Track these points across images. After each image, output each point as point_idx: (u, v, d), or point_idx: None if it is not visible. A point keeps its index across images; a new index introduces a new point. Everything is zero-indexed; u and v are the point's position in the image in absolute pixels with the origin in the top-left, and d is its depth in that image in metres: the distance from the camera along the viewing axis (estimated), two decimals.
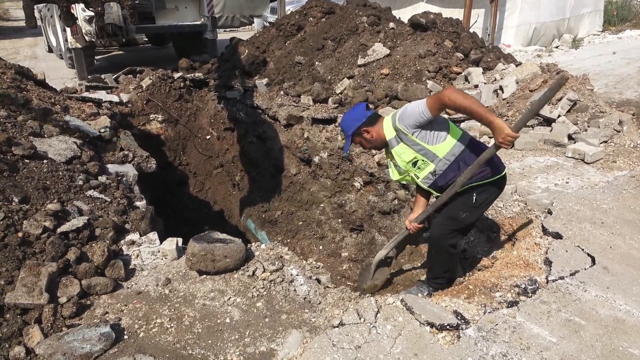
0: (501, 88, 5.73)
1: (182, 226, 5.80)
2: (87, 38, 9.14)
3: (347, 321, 2.40)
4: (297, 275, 2.86)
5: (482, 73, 6.15)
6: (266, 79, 7.28)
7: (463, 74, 6.18)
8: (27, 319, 2.35)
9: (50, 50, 13.05)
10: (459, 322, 2.38)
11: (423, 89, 5.72)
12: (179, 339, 2.34)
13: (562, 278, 2.72)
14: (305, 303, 2.66)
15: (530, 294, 2.61)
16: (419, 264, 4.04)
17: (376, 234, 5.04)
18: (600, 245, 3.02)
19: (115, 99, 6.54)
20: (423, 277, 3.46)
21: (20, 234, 2.70)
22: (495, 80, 6.01)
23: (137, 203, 3.64)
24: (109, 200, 3.45)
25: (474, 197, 2.79)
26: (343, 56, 6.94)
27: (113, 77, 7.53)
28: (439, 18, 6.93)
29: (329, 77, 6.69)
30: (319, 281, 2.93)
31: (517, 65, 6.34)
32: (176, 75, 7.42)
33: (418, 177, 2.85)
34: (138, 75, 7.57)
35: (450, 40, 6.60)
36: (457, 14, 9.62)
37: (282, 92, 6.75)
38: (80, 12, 8.68)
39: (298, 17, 8.40)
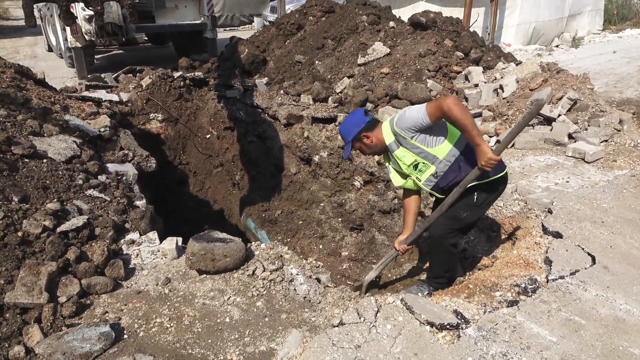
0: (501, 87, 5.72)
1: (182, 225, 5.80)
2: (87, 37, 9.13)
3: (347, 320, 2.39)
4: (297, 274, 2.86)
5: (483, 72, 6.14)
6: (266, 78, 7.28)
7: (463, 73, 6.17)
8: (27, 318, 2.35)
9: (50, 49, 13.05)
10: (459, 321, 2.37)
11: (423, 88, 5.72)
12: (178, 338, 2.34)
13: (562, 277, 2.72)
14: (305, 302, 2.66)
15: (530, 294, 2.61)
16: (419, 264, 4.04)
17: (376, 233, 5.04)
18: (600, 244, 3.02)
19: (115, 98, 6.54)
20: (423, 277, 3.46)
21: (19, 234, 2.70)
22: (496, 79, 6.01)
23: (137, 202, 3.64)
24: (109, 199, 3.45)
25: (475, 197, 2.79)
26: (343, 55, 6.94)
27: (113, 76, 7.53)
28: (439, 17, 6.92)
29: (329, 76, 6.68)
30: (319, 280, 2.93)
31: (517, 64, 6.34)
32: (176, 74, 7.42)
33: (420, 180, 2.86)
34: (138, 74, 7.57)
35: (451, 39, 6.59)
36: (457, 12, 9.61)
37: (282, 91, 6.75)
38: (80, 11, 8.68)
39: (298, 16, 8.39)
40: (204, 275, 2.81)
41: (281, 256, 3.03)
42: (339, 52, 7.06)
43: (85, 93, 6.29)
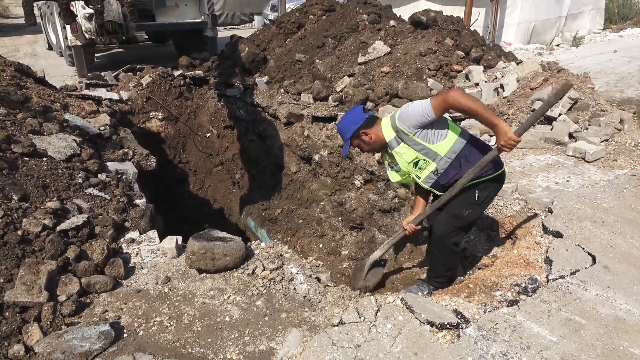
0: (502, 86, 5.71)
1: (182, 224, 5.80)
2: (87, 35, 9.13)
3: (347, 320, 2.39)
4: (297, 273, 2.85)
5: (483, 71, 6.13)
6: (266, 76, 7.27)
7: (464, 72, 6.16)
8: (27, 317, 2.35)
9: (50, 47, 13.04)
10: (459, 321, 2.37)
11: (424, 87, 5.71)
12: (178, 337, 2.33)
13: (562, 277, 2.71)
14: (305, 302, 2.66)
15: (530, 293, 2.61)
16: (419, 263, 4.03)
17: (376, 232, 5.04)
18: (600, 244, 3.02)
19: (115, 96, 6.53)
20: (423, 276, 3.46)
21: (19, 232, 2.70)
22: (496, 78, 6.00)
23: (137, 201, 3.63)
24: (109, 198, 3.44)
25: (477, 194, 2.79)
26: (343, 54, 6.93)
27: (113, 75, 7.52)
28: (440, 16, 6.91)
29: (330, 75, 6.68)
30: (318, 280, 2.93)
31: (517, 64, 6.32)
32: (176, 73, 7.42)
33: (419, 178, 2.84)
34: (138, 73, 7.56)
35: (451, 38, 6.58)
36: (458, 11, 9.61)
37: (282, 90, 6.74)
38: (80, 9, 8.67)
39: (298, 15, 8.38)
40: (204, 274, 2.80)
41: (281, 255, 3.03)
42: (339, 50, 7.05)
43: (85, 91, 6.29)
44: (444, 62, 6.19)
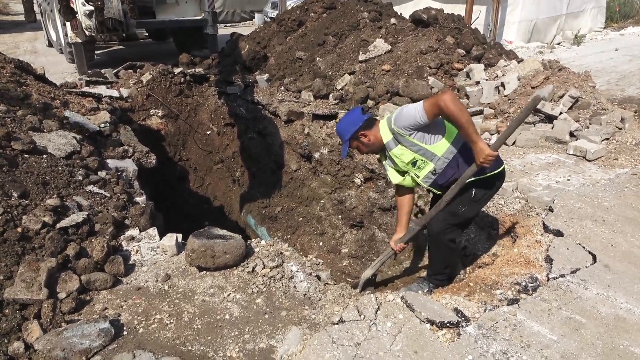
0: (503, 85, 5.70)
1: (182, 222, 5.80)
2: (87, 32, 9.11)
3: (347, 318, 2.39)
4: (297, 271, 2.85)
5: (484, 69, 6.12)
6: (267, 74, 7.25)
7: (464, 70, 6.15)
8: (26, 314, 2.35)
9: (50, 44, 13.02)
10: (459, 319, 2.37)
11: (424, 85, 5.70)
12: (178, 335, 2.33)
13: (563, 276, 2.71)
14: (305, 300, 2.66)
15: (530, 292, 2.60)
16: (419, 261, 4.03)
17: (376, 231, 5.03)
18: (601, 243, 3.01)
19: (115, 94, 6.52)
20: (423, 274, 3.46)
21: (19, 229, 2.70)
22: (497, 76, 5.98)
23: (137, 198, 3.63)
24: (109, 195, 3.44)
25: (473, 192, 2.79)
26: (344, 52, 6.91)
27: (113, 72, 7.51)
28: (441, 14, 6.89)
29: (330, 73, 6.66)
30: (319, 278, 2.93)
31: (518, 62, 6.31)
32: (176, 70, 7.41)
33: (418, 177, 2.85)
34: (138, 70, 7.55)
35: (452, 37, 6.57)
36: (458, 9, 9.59)
37: (282, 88, 6.73)
38: (80, 6, 8.65)
39: (299, 13, 8.36)
40: (204, 272, 2.80)
41: (281, 253, 3.03)
42: (340, 48, 7.04)
43: (86, 89, 6.28)
44: (445, 60, 6.18)
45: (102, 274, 2.67)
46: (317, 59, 7.01)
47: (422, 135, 2.69)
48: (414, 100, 5.64)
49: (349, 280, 4.45)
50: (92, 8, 8.44)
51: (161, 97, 6.99)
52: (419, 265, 3.93)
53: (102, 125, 4.72)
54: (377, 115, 5.62)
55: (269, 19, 10.60)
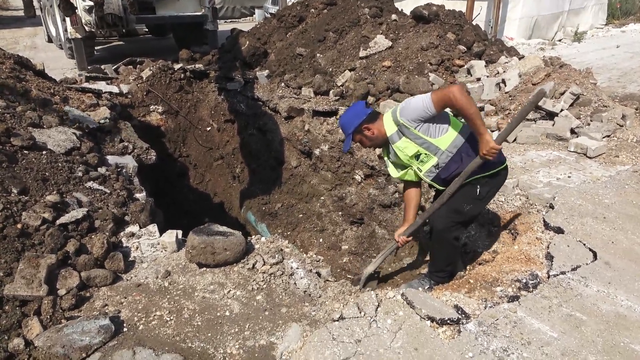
0: (504, 81, 5.69)
1: (182, 218, 5.79)
2: (86, 28, 9.07)
3: (347, 315, 2.39)
4: (297, 268, 2.85)
5: (485, 66, 6.10)
6: (267, 70, 7.23)
7: (465, 67, 6.13)
8: (26, 310, 2.35)
9: (50, 40, 12.98)
10: (460, 316, 2.36)
11: (425, 82, 5.68)
12: (178, 331, 2.33)
13: (563, 273, 2.70)
14: (306, 296, 2.65)
15: (531, 289, 2.60)
16: (419, 258, 4.03)
17: (376, 227, 5.03)
18: (602, 240, 3.01)
19: (115, 89, 6.51)
20: (424, 271, 3.45)
21: (19, 226, 2.69)
22: (498, 73, 5.97)
23: (137, 195, 3.62)
24: (109, 191, 3.43)
25: (478, 190, 2.78)
26: (344, 48, 6.89)
27: (113, 68, 7.49)
28: (442, 10, 6.86)
29: (330, 69, 6.64)
30: (319, 274, 2.93)
31: (520, 59, 6.29)
32: (176, 66, 7.39)
33: (421, 171, 2.84)
34: (138, 66, 7.53)
35: (453, 33, 6.54)
36: (459, 5, 9.54)
37: (282, 84, 6.71)
38: (79, 1, 8.62)
39: (299, 8, 8.33)
40: (204, 268, 2.80)
41: (281, 250, 3.02)
42: (340, 44, 7.02)
43: (85, 84, 6.26)
44: (446, 56, 6.16)
45: (102, 270, 2.66)
46: (318, 55, 6.99)
47: (427, 128, 2.68)
48: None
49: (349, 277, 4.45)
50: (91, 3, 8.43)
51: (161, 93, 6.98)
52: (420, 262, 3.92)
53: (102, 121, 4.70)
54: (378, 111, 5.61)
55: (269, 15, 10.56)
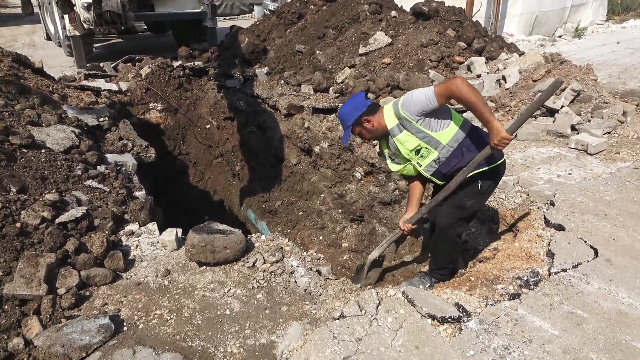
0: (504, 78, 5.67)
1: (181, 216, 5.79)
2: (85, 26, 9.03)
3: (347, 313, 2.38)
4: (298, 266, 2.84)
5: (485, 62, 6.08)
6: (266, 67, 7.21)
7: (465, 63, 6.11)
8: (26, 310, 2.34)
9: (48, 38, 12.93)
10: (461, 314, 2.36)
11: (425, 79, 5.66)
12: (178, 330, 2.32)
13: (564, 270, 2.70)
14: (306, 295, 2.65)
15: (532, 287, 2.59)
16: (420, 255, 4.02)
17: (377, 225, 5.02)
18: (603, 237, 3.00)
19: (114, 87, 6.49)
20: (424, 269, 3.45)
21: (18, 225, 2.68)
22: (498, 70, 5.95)
23: (137, 193, 3.61)
24: (108, 190, 3.42)
25: (479, 184, 2.77)
26: (344, 45, 6.86)
27: (112, 66, 7.46)
28: (442, 6, 6.83)
29: (330, 66, 6.62)
30: (319, 273, 2.92)
31: (520, 55, 6.27)
32: (176, 63, 7.36)
33: (421, 165, 2.81)
34: (137, 63, 7.51)
35: (453, 29, 6.52)
36: (459, 2, 9.49)
37: (282, 81, 6.69)
38: None
39: (299, 5, 8.29)
40: (204, 267, 2.79)
41: (281, 248, 3.02)
42: (340, 41, 6.99)
43: (84, 82, 6.25)
44: (446, 53, 6.14)
45: (102, 269, 2.66)
46: (317, 52, 6.96)
47: (428, 122, 2.65)
48: None
49: (350, 274, 4.45)
50: (90, 1, 8.38)
51: (160, 90, 6.95)
52: (420, 260, 3.91)
53: (101, 119, 4.69)
54: None
55: (268, 12, 10.52)
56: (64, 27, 9.57)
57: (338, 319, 2.35)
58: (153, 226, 3.18)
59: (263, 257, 2.86)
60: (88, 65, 7.89)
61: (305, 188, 5.81)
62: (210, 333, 2.32)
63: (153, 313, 2.42)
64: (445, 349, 2.15)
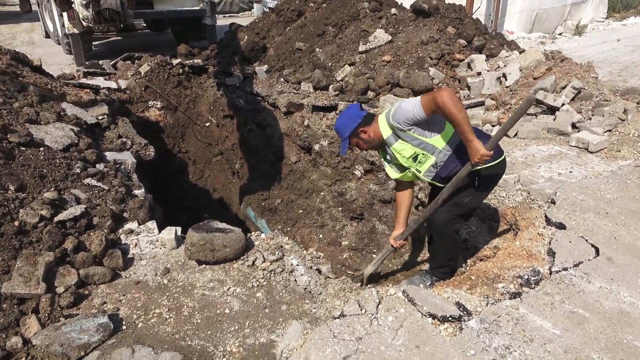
0: (504, 75, 5.65)
1: (181, 214, 5.77)
2: (84, 23, 8.99)
3: (348, 312, 2.37)
4: (298, 265, 2.83)
5: (485, 60, 6.06)
6: (266, 65, 7.19)
7: (466, 61, 6.09)
8: (24, 309, 2.33)
9: (47, 35, 12.89)
10: (461, 313, 2.35)
11: (425, 76, 5.64)
12: (178, 329, 2.31)
13: (565, 269, 2.69)
14: (306, 293, 2.64)
15: (533, 285, 2.58)
16: (420, 254, 4.01)
17: (377, 223, 5.01)
18: (604, 236, 2.99)
19: (113, 85, 6.47)
20: (425, 267, 3.44)
21: (16, 223, 2.67)
22: (499, 67, 5.93)
23: (136, 191, 3.59)
24: (107, 188, 3.41)
25: (477, 181, 2.77)
26: (344, 42, 6.84)
27: (111, 63, 7.44)
28: (442, 4, 6.80)
29: (330, 64, 6.60)
30: (319, 271, 2.91)
31: (520, 53, 6.25)
32: (175, 61, 7.34)
33: (420, 172, 2.83)
34: (136, 61, 7.48)
35: (453, 27, 6.49)
36: None
37: (282, 79, 6.67)
38: None
39: (298, 3, 8.26)
40: (204, 265, 2.78)
41: (281, 246, 3.00)
42: (340, 39, 6.96)
43: (83, 80, 6.22)
44: (446, 50, 6.11)
45: (101, 267, 2.64)
46: (317, 49, 6.94)
47: (421, 129, 2.67)
48: (414, 92, 5.59)
49: (349, 272, 4.44)
50: None
51: (160, 88, 6.93)
52: (420, 258, 3.90)
53: (100, 117, 4.67)
54: (378, 106, 5.58)
55: (267, 9, 10.48)
56: (62, 25, 9.53)
57: (338, 318, 2.34)
58: (152, 224, 3.17)
59: (263, 256, 2.85)
60: (87, 63, 7.87)
61: (305, 186, 5.79)
62: (209, 332, 2.31)
63: (152, 312, 2.41)
64: (446, 349, 2.14)
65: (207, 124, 7.26)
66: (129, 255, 2.86)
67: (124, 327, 2.31)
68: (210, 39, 10.05)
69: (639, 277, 2.60)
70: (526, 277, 2.66)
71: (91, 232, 2.86)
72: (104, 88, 6.11)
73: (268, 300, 2.54)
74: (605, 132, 4.49)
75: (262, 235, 3.14)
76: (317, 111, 5.82)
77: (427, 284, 2.97)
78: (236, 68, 7.21)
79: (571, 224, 3.12)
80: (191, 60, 7.50)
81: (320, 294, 2.64)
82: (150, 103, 6.85)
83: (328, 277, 2.90)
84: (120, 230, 3.07)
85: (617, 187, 3.58)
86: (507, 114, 5.02)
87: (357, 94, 5.82)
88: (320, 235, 5.35)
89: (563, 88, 5.05)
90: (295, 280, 2.72)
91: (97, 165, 3.67)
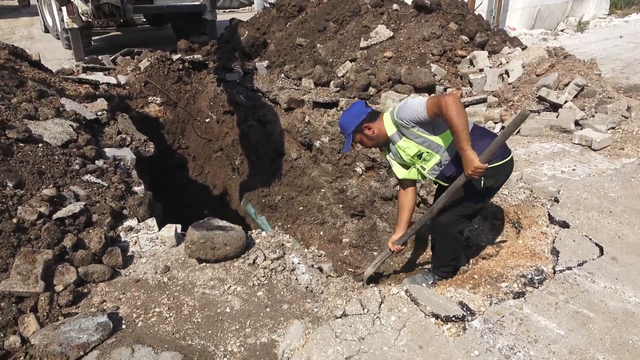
0: (507, 72, 5.61)
1: (181, 211, 5.75)
2: (83, 18, 8.94)
3: (350, 312, 2.34)
4: (299, 263, 2.80)
5: (488, 57, 6.01)
6: (266, 61, 7.14)
7: (468, 57, 6.05)
8: (23, 307, 2.30)
9: (46, 30, 12.83)
10: (465, 313, 2.32)
11: (427, 73, 5.60)
12: (178, 328, 2.29)
13: (569, 268, 2.66)
14: (307, 293, 2.61)
15: (537, 285, 2.55)
16: (422, 252, 3.99)
17: (377, 220, 4.98)
18: (608, 234, 2.96)
19: (112, 80, 6.42)
20: (427, 266, 3.41)
21: (14, 220, 2.64)
22: (501, 64, 5.88)
23: (135, 188, 3.56)
24: (106, 185, 3.37)
25: (482, 182, 2.73)
26: (345, 38, 6.79)
27: (110, 59, 7.39)
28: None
29: (331, 60, 6.55)
30: (320, 270, 2.87)
31: (523, 49, 6.20)
32: (175, 56, 7.29)
33: (424, 169, 2.80)
34: (136, 56, 7.44)
35: (455, 23, 6.45)
36: None
37: (282, 75, 6.63)
38: None
39: None
40: (204, 263, 2.75)
41: (282, 245, 2.97)
42: (341, 35, 6.92)
43: (82, 75, 6.18)
44: (448, 47, 6.07)
45: (100, 265, 2.61)
46: (318, 45, 6.89)
47: (425, 127, 2.65)
48: (416, 88, 5.55)
49: (350, 270, 4.42)
50: None
51: (159, 84, 6.89)
52: (423, 257, 3.88)
53: (100, 113, 4.63)
54: (379, 102, 5.54)
55: (268, 5, 10.41)
56: (62, 20, 9.47)
57: (340, 317, 2.31)
58: (152, 222, 3.13)
59: (264, 254, 2.82)
60: (86, 58, 7.82)
61: (305, 183, 5.76)
62: (210, 331, 2.28)
63: (152, 311, 2.39)
64: (450, 349, 2.11)
65: (207, 120, 7.22)
66: (128, 253, 2.83)
67: (123, 326, 2.28)
68: (211, 35, 10.00)
69: None
70: (530, 276, 2.64)
71: (90, 230, 2.82)
72: (103, 83, 6.08)
73: (269, 299, 2.52)
74: (608, 129, 4.46)
75: (263, 233, 3.12)
76: (318, 107, 5.78)
77: (430, 283, 2.95)
78: (236, 64, 7.16)
79: (575, 222, 3.09)
80: (191, 56, 7.45)
81: (321, 293, 2.62)
82: (150, 99, 6.81)
83: (329, 275, 2.87)
84: (120, 228, 3.04)
85: (620, 185, 3.55)
86: (509, 111, 4.98)
87: (359, 91, 5.78)
88: (321, 233, 5.33)
89: (566, 85, 5.01)
90: (296, 278, 2.70)
91: (97, 161, 3.63)
